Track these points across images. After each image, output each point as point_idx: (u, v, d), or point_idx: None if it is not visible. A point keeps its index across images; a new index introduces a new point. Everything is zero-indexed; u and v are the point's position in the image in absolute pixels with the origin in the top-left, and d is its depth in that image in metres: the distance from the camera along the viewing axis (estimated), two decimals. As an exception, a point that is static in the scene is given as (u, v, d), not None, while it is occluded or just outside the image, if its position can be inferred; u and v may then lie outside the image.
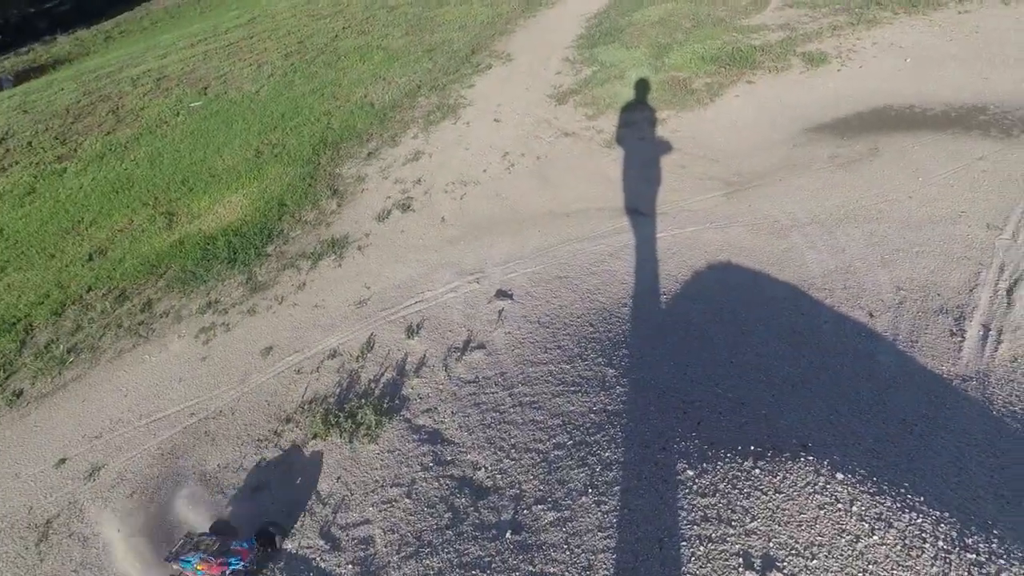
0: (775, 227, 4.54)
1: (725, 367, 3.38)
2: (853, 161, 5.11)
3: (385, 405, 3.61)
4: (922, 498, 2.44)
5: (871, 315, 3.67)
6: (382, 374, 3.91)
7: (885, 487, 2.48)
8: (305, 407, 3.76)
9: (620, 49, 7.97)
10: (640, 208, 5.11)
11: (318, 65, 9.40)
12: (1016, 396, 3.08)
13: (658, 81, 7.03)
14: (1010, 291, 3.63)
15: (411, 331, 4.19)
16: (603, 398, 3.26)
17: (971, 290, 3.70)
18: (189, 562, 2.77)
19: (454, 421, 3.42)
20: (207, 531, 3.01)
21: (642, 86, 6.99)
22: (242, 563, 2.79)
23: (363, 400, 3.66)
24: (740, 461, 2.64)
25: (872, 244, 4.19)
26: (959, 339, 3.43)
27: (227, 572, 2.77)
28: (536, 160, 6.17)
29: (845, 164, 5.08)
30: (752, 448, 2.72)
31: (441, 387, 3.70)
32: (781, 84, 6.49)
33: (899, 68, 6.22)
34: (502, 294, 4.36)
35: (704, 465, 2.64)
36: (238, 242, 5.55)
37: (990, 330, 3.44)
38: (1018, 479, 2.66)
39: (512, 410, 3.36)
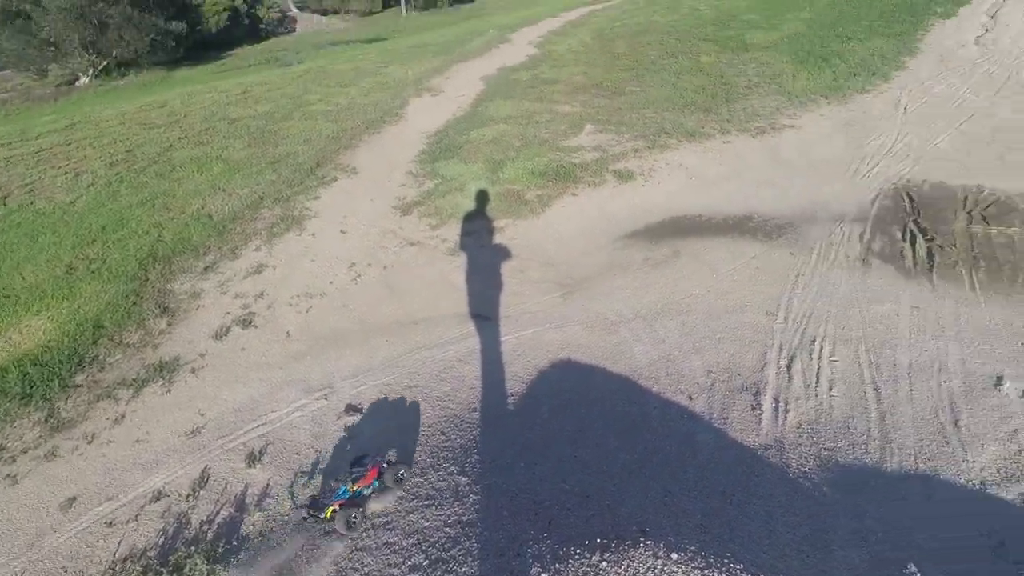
0: (606, 324, 5.05)
1: (570, 462, 3.59)
2: (662, 262, 5.94)
3: (220, 549, 3.25)
4: (742, 565, 2.74)
5: (690, 398, 4.18)
6: (217, 513, 3.54)
7: (712, 559, 2.75)
8: (116, 567, 3.25)
9: (459, 164, 8.64)
10: (484, 313, 5.40)
11: (149, 175, 8.89)
12: (804, 458, 3.64)
13: (495, 193, 7.68)
14: (789, 366, 4.37)
15: (252, 459, 3.89)
16: (457, 509, 3.26)
17: (762, 368, 4.38)
18: (343, 491, 3.27)
19: (302, 556, 3.17)
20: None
21: (481, 197, 7.58)
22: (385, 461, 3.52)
23: (192, 548, 3.26)
24: (588, 556, 2.77)
25: (685, 334, 4.83)
26: (758, 412, 4.01)
27: (381, 472, 3.42)
28: (383, 270, 6.30)
29: (656, 265, 5.89)
30: (598, 541, 2.87)
31: (286, 519, 3.44)
32: (599, 197, 7.45)
33: (687, 184, 7.50)
34: (352, 409, 4.26)
35: (556, 566, 2.73)
36: (36, 373, 4.84)
37: (779, 402, 4.08)
38: (813, 534, 3.10)
39: (364, 535, 3.22)
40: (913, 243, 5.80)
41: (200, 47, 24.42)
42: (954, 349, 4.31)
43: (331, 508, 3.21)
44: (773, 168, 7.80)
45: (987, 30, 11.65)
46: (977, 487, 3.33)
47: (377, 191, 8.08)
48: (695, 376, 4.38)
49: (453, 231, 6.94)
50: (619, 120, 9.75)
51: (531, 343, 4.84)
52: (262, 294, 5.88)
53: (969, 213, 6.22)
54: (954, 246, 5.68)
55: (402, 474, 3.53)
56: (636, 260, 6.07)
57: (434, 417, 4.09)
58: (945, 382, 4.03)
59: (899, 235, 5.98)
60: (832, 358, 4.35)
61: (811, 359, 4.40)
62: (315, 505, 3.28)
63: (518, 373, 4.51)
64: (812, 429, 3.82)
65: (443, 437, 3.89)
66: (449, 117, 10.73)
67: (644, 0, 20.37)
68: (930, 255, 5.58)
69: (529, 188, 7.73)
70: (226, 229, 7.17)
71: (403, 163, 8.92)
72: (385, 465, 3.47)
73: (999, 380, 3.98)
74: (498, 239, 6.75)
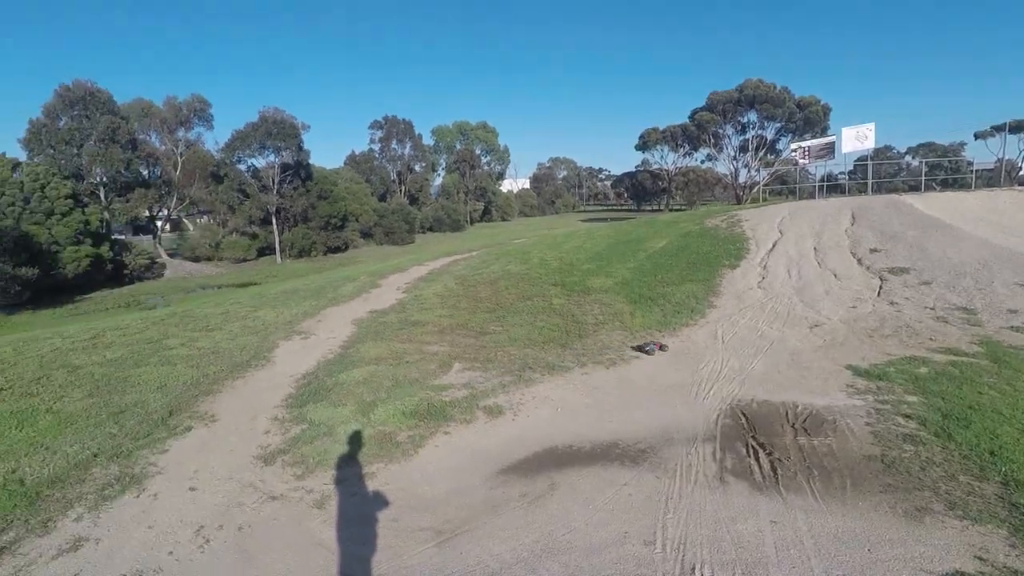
0: (487, 573, 4.72)
1: None
2: (539, 497, 5.91)
3: None
4: None
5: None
6: None
7: None
8: None
9: (329, 407, 8.41)
10: (355, 574, 4.83)
11: (-63, 440, 7.47)
12: None
13: (367, 436, 7.45)
14: (676, 601, 4.29)
15: None
16: None
17: (650, 607, 4.25)
18: None
19: None
20: None
21: (351, 441, 7.29)
22: None
23: None
24: None
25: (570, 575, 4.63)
26: (655, 660, 3.77)
27: None
28: (237, 531, 5.54)
29: (533, 501, 5.83)
30: None
31: None
32: (471, 434, 7.52)
33: (554, 416, 7.90)
34: None
35: None
36: None
37: (673, 644, 3.90)
38: None
39: None
40: (757, 458, 6.41)
41: (53, 291, 23.00)
42: (817, 564, 4.55)
43: None
44: (628, 395, 8.55)
45: (763, 277, 14.76)
46: None
47: (237, 440, 7.47)
48: (587, 625, 4.11)
49: (321, 480, 6.45)
50: (485, 358, 10.38)
51: (408, 608, 4.33)
52: (73, 581, 4.80)
53: (793, 427, 7.12)
54: (789, 458, 6.35)
55: None
56: (513, 497, 5.98)
57: None
58: (816, 598, 4.18)
59: (744, 451, 6.60)
60: (713, 586, 4.38)
61: (695, 589, 4.38)
62: None
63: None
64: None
65: None
66: (319, 360, 10.72)
67: (499, 252, 23.37)
68: (773, 468, 6.16)
69: (401, 429, 7.63)
70: (40, 496, 6.04)
71: (268, 408, 8.49)
72: None
73: (859, 589, 4.21)
74: (370, 486, 6.36)
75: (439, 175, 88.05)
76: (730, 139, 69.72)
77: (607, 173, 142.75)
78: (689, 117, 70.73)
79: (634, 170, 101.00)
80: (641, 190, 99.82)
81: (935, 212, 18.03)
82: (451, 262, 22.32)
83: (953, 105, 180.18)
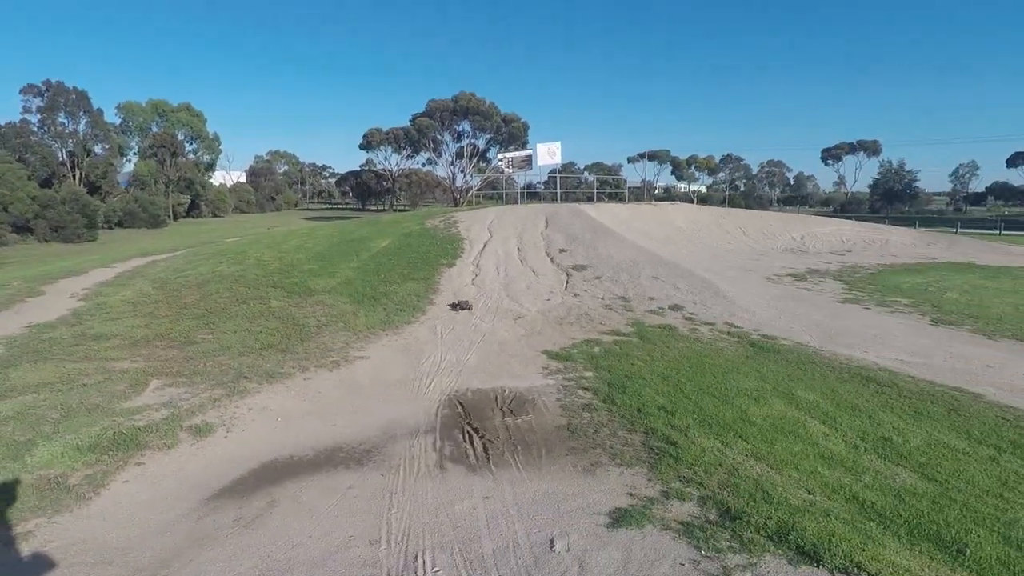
0: (196, 615, 4.24)
1: None
2: (257, 517, 5.52)
3: None
4: None
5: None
6: None
7: None
8: None
9: (-49, 457, 6.39)
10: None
11: None
12: None
13: (22, 486, 5.90)
14: (401, 590, 4.50)
15: None
16: None
17: (377, 602, 4.37)
18: None
19: None
20: None
21: (-7, 498, 5.68)
22: None
23: None
24: None
25: (293, 593, 4.46)
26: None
27: None
28: None
29: (250, 523, 5.41)
30: None
31: None
32: (173, 459, 6.59)
33: (274, 427, 7.43)
34: None
35: None
36: None
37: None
38: None
39: None
40: (471, 442, 7.08)
41: None
42: (519, 527, 5.27)
43: None
44: (352, 397, 8.52)
45: (476, 275, 16.25)
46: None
47: None
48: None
49: (-60, 557, 4.88)
50: (192, 370, 9.17)
51: None
52: None
53: (501, 409, 8.06)
54: (499, 438, 7.18)
55: None
56: (225, 524, 5.45)
57: None
58: (519, 559, 4.85)
59: (461, 437, 7.22)
60: (435, 569, 4.72)
61: None
62: None
63: None
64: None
65: None
66: (-68, 395, 8.03)
67: (209, 251, 20.70)
68: (485, 449, 6.89)
69: (76, 469, 6.27)
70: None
71: None
72: None
73: (552, 543, 5.03)
74: (24, 550, 5.06)
75: (130, 161, 72.10)
76: (448, 145, 74.22)
77: (331, 171, 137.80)
78: (410, 121, 72.94)
79: (359, 169, 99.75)
80: (366, 190, 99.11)
81: (604, 219, 22.24)
82: (148, 263, 18.98)
83: (616, 133, 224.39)
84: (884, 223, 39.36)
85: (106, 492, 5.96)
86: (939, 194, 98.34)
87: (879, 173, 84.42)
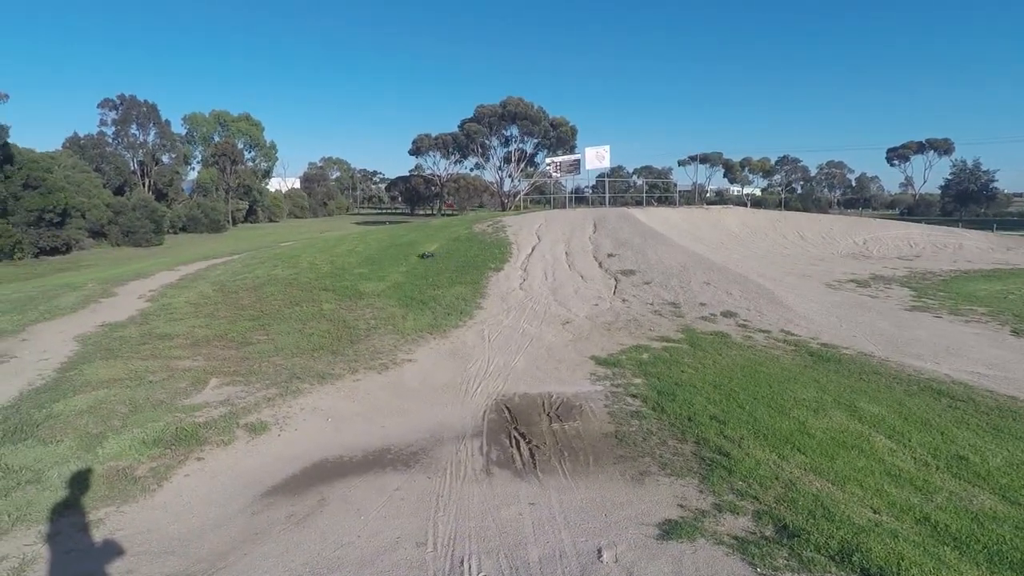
0: (249, 609, 4.35)
1: None
2: (308, 516, 5.64)
3: None
4: None
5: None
6: None
7: None
8: None
9: (36, 446, 6.84)
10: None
11: None
12: None
13: (94, 476, 6.24)
14: (446, 595, 4.49)
15: None
16: None
17: (422, 605, 4.38)
18: None
19: None
20: None
21: (71, 485, 6.03)
22: None
23: None
24: None
25: (341, 592, 4.52)
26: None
27: None
28: None
29: (301, 521, 5.54)
30: None
31: None
32: (230, 456, 6.83)
33: (324, 427, 7.60)
34: None
35: None
36: None
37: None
38: None
39: None
40: (518, 447, 7.04)
41: None
42: (566, 535, 5.18)
43: None
44: (400, 399, 8.63)
45: (524, 279, 16.23)
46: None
47: None
48: (359, 638, 4.07)
49: (20, 542, 5.20)
50: (248, 370, 9.51)
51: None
52: None
53: (548, 415, 7.99)
54: (545, 443, 7.11)
55: None
56: (278, 520, 5.60)
57: None
58: (566, 568, 4.76)
59: (507, 442, 7.19)
60: (480, 574, 4.69)
61: (463, 580, 4.64)
62: None
63: None
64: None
65: None
66: (23, 389, 8.65)
67: (265, 255, 21.51)
68: (532, 455, 6.83)
69: (141, 461, 6.58)
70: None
71: (-69, 461, 6.53)
72: None
73: (599, 553, 4.92)
74: (96, 536, 5.34)
75: (193, 169, 76.21)
76: (496, 150, 74.67)
77: (381, 176, 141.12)
78: (459, 126, 73.84)
79: (408, 174, 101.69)
80: (415, 194, 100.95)
81: (653, 223, 21.84)
82: (208, 266, 19.87)
83: (666, 135, 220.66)
84: (957, 226, 37.12)
85: (168, 485, 6.23)
86: (1020, 195, 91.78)
87: (951, 173, 78.73)
